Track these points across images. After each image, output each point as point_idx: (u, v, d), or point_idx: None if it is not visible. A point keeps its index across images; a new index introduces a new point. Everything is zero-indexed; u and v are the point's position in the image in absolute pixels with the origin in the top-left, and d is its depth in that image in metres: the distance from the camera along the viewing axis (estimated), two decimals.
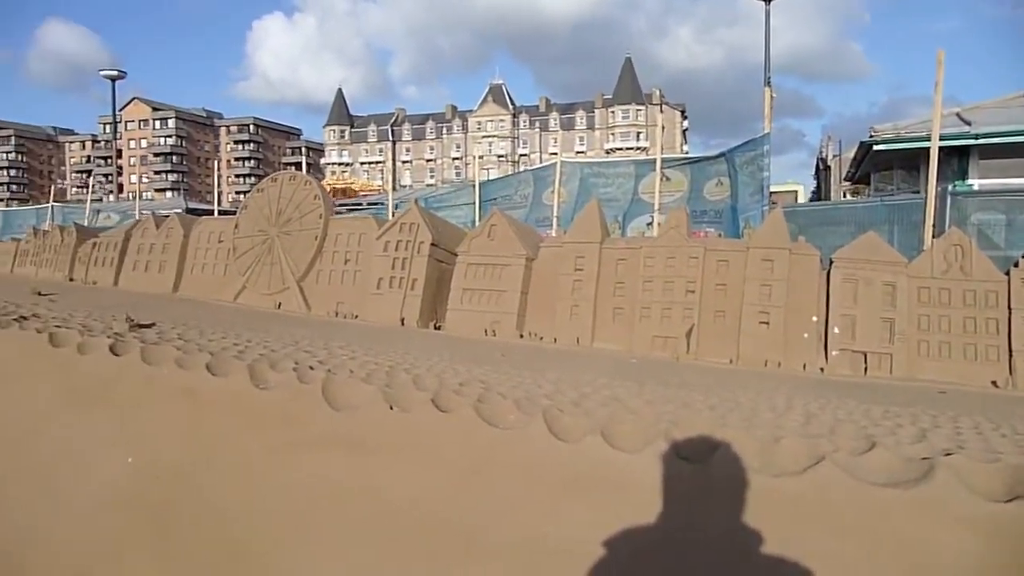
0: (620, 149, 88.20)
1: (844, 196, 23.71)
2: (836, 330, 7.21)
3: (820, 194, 29.21)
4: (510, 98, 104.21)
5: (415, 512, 3.24)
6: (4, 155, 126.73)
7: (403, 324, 6.00)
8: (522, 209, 15.74)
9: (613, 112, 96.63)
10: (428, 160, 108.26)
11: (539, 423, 3.34)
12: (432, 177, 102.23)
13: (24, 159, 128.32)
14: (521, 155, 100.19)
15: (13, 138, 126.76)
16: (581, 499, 3.13)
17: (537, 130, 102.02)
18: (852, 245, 7.67)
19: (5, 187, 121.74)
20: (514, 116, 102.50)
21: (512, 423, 3.42)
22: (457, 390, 3.69)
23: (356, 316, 6.16)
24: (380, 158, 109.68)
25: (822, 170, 31.43)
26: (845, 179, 22.83)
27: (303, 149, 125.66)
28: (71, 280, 7.70)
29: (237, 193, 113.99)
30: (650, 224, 13.49)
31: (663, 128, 34.76)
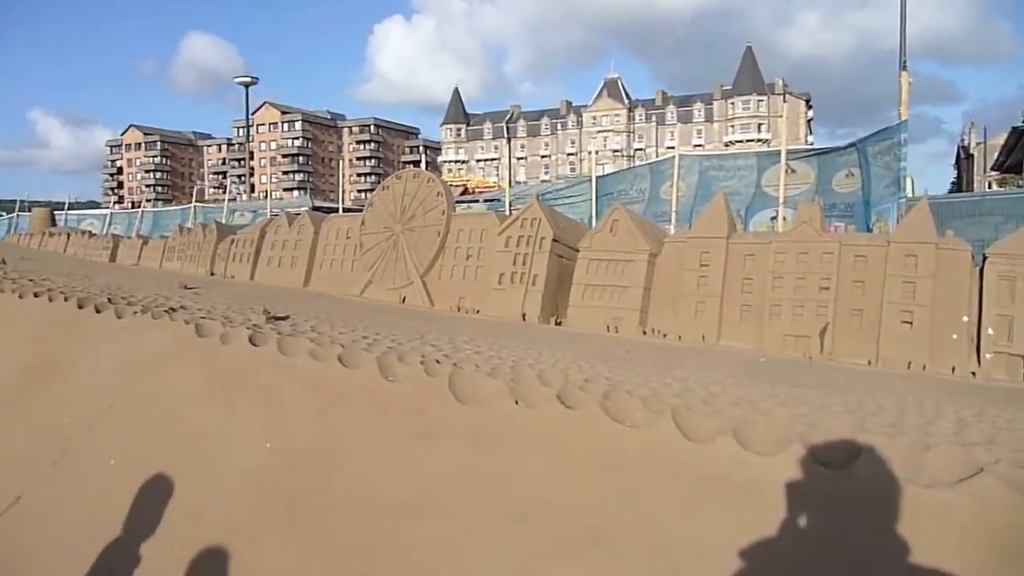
0: (740, 141, 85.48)
1: (989, 186, 22.10)
2: (990, 331, 6.69)
3: (961, 184, 27.35)
4: (625, 92, 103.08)
5: (542, 506, 3.23)
6: (151, 159, 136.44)
7: (524, 319, 6.02)
8: (639, 204, 15.51)
9: (733, 103, 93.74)
10: (543, 156, 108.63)
11: (668, 422, 3.25)
12: (547, 173, 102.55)
13: (168, 163, 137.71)
14: (637, 149, 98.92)
15: (159, 143, 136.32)
16: (713, 501, 3.03)
17: (653, 124, 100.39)
18: (1009, 239, 7.09)
19: (152, 189, 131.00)
20: (629, 110, 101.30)
21: (639, 421, 3.35)
22: (582, 386, 3.66)
23: (478, 311, 6.22)
24: (495, 155, 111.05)
25: (963, 159, 29.43)
26: (992, 168, 21.27)
27: (421, 148, 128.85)
28: (212, 274, 8.18)
29: (359, 191, 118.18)
30: (774, 218, 13.00)
31: (786, 118, 33.45)
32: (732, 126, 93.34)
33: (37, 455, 4.82)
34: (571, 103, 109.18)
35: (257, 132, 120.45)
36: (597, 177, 17.30)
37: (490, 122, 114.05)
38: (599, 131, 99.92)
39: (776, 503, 2.92)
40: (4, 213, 38.93)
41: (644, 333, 5.77)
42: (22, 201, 39.68)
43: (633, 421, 3.36)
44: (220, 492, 4.03)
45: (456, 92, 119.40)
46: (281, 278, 7.83)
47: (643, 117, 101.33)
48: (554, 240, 6.09)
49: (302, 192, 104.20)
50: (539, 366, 4.02)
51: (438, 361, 3.99)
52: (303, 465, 3.90)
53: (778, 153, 13.10)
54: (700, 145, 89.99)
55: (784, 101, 72.57)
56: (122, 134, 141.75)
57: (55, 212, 22.88)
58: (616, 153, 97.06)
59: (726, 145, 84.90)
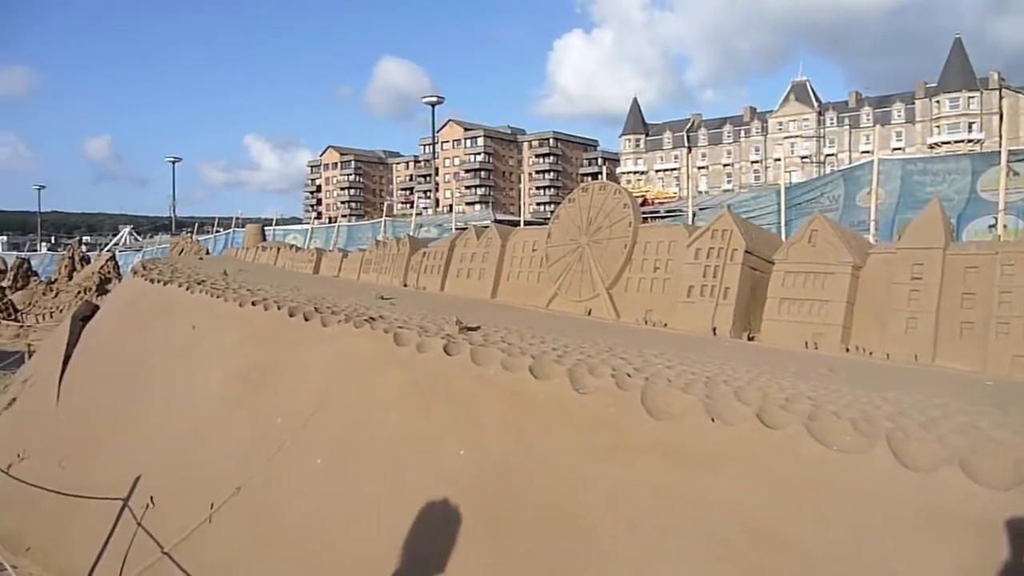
0: (947, 143, 78.25)
1: None
2: None
3: None
4: (815, 95, 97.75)
5: (741, 528, 3.09)
6: (346, 177, 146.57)
7: (715, 334, 5.81)
8: (832, 213, 14.64)
9: (939, 102, 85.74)
10: (725, 165, 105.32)
11: (882, 447, 3.00)
12: (729, 182, 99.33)
13: (361, 180, 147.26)
14: (828, 155, 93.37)
15: (353, 162, 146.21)
16: (937, 537, 2.76)
17: (846, 127, 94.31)
18: None
19: (346, 205, 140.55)
20: (819, 114, 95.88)
21: (849, 445, 3.11)
22: (783, 405, 3.46)
23: (665, 324, 6.09)
24: (675, 165, 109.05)
25: None
26: None
27: (599, 160, 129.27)
28: (404, 285, 8.59)
29: (538, 204, 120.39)
30: (992, 226, 11.82)
31: (1002, 116, 30.31)
32: (938, 126, 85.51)
33: (254, 450, 5.26)
34: (755, 109, 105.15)
35: (442, 149, 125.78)
36: (785, 186, 16.54)
37: (670, 131, 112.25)
38: (785, 137, 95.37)
39: (1012, 544, 2.62)
40: (222, 229, 43.35)
41: (847, 351, 5.39)
42: (236, 218, 44.04)
43: (842, 445, 3.13)
44: (417, 494, 4.19)
45: (635, 102, 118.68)
46: (470, 289, 8.09)
47: (835, 120, 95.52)
48: (747, 252, 5.85)
49: (484, 206, 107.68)
50: (735, 382, 3.86)
51: (629, 374, 3.94)
52: (496, 473, 3.98)
53: (996, 154, 11.89)
54: (900, 148, 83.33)
55: (1001, 97, 65.80)
56: (321, 154, 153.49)
57: (265, 228, 25.10)
58: (804, 160, 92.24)
59: (931, 147, 77.94)
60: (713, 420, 3.45)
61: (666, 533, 3.27)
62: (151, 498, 5.63)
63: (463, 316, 5.48)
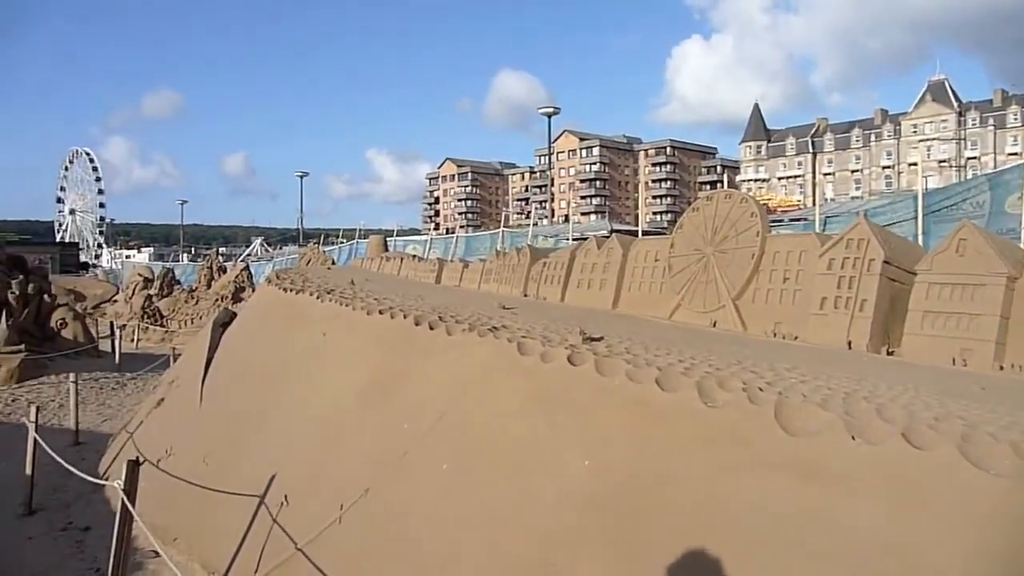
0: None
1: None
2: None
3: None
4: (954, 94, 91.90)
5: (886, 551, 2.91)
6: (463, 189, 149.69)
7: (850, 348, 5.53)
8: (977, 219, 13.67)
9: None
10: (853, 171, 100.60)
11: None
12: (858, 189, 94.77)
13: (477, 191, 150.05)
14: (969, 158, 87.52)
15: (470, 174, 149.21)
16: None
17: (991, 128, 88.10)
18: None
19: (463, 216, 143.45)
20: (959, 114, 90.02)
21: (1009, 470, 2.88)
22: (932, 425, 3.25)
23: (796, 337, 5.85)
24: (799, 172, 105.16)
25: None
26: None
27: (718, 168, 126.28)
28: (525, 295, 8.64)
29: (654, 214, 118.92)
30: None
31: None
32: None
33: (383, 454, 5.41)
34: (886, 111, 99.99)
35: (557, 159, 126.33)
36: (922, 191, 15.60)
37: (793, 137, 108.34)
38: (920, 140, 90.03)
39: None
40: (345, 240, 45.14)
41: (1001, 368, 5.01)
42: (359, 229, 45.76)
43: (1000, 470, 2.91)
44: (540, 503, 4.20)
45: (756, 108, 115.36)
46: (590, 300, 8.05)
47: (977, 121, 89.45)
48: (885, 262, 5.54)
49: (599, 216, 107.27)
50: (876, 399, 3.65)
51: (761, 388, 3.80)
52: (621, 485, 3.93)
53: None
54: None
55: None
56: (439, 167, 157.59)
57: (386, 239, 25.92)
58: (942, 164, 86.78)
59: None
60: (854, 438, 3.27)
61: (801, 554, 3.12)
62: (285, 496, 5.88)
63: (585, 326, 5.45)
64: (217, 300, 33.44)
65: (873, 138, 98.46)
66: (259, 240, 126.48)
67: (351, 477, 5.48)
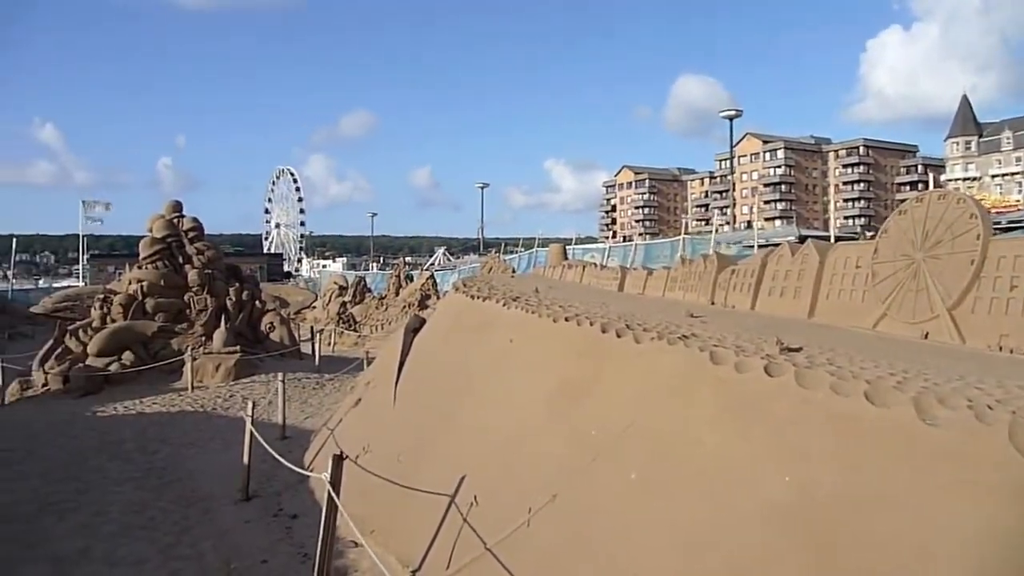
0: None
1: None
2: None
3: None
4: None
5: None
6: (640, 196, 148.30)
7: None
8: None
9: None
10: None
11: None
12: None
13: (655, 198, 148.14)
14: None
15: (647, 181, 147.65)
16: None
17: None
18: None
19: (640, 223, 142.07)
20: None
21: None
22: None
23: None
24: (1017, 168, 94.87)
25: None
26: None
27: (919, 167, 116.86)
28: (712, 303, 8.40)
29: (845, 218, 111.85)
30: None
31: None
32: None
33: (571, 460, 5.43)
34: None
35: (738, 163, 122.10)
36: None
37: (1010, 130, 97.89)
38: None
39: None
40: (523, 249, 46.10)
41: None
42: (537, 238, 46.58)
43: None
44: (733, 518, 4.04)
45: (964, 100, 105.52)
46: (783, 308, 7.67)
47: None
48: None
49: (784, 221, 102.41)
50: None
51: (990, 407, 3.44)
52: (823, 505, 3.70)
53: None
54: None
55: None
56: (616, 175, 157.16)
57: (565, 247, 26.16)
58: None
59: None
60: None
61: None
62: (475, 497, 6.06)
63: (781, 336, 5.20)
64: (405, 307, 35.29)
65: None
66: (442, 250, 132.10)
67: (538, 481, 5.56)
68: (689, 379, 4.99)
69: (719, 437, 4.49)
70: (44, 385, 18.70)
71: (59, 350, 19.91)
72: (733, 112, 43.27)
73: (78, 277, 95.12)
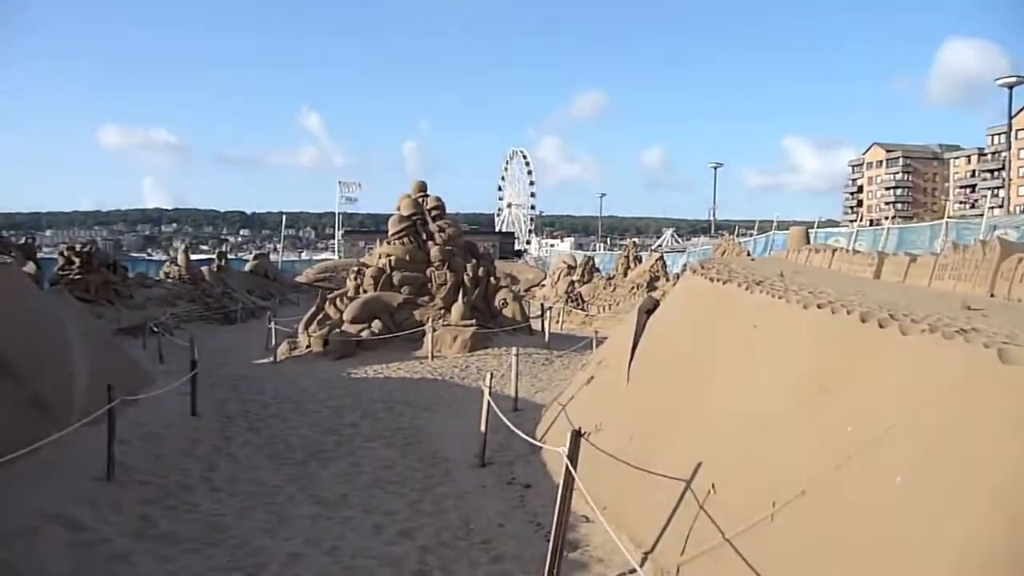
0: None
1: None
2: None
3: None
4: None
5: None
6: (891, 176, 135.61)
7: None
8: None
9: None
10: None
11: None
12: None
13: (909, 178, 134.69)
14: None
15: (901, 159, 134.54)
16: None
17: None
18: None
19: (891, 206, 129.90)
20: None
21: None
22: None
23: None
24: None
25: None
26: None
27: None
28: (991, 296, 7.43)
29: None
30: None
31: None
32: None
33: (821, 456, 5.07)
34: None
35: (1016, 138, 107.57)
36: None
37: None
38: None
39: None
40: (758, 232, 43.94)
41: None
42: (774, 221, 44.18)
43: None
44: None
45: None
46: None
47: None
48: None
49: None
50: None
51: None
52: None
53: None
54: None
55: None
56: (864, 152, 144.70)
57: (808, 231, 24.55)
58: None
59: None
60: None
61: None
62: (712, 485, 5.87)
63: None
64: (633, 288, 35.15)
65: None
66: (670, 231, 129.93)
67: (784, 475, 5.27)
68: (970, 379, 4.43)
69: (1010, 448, 3.94)
70: (307, 346, 20.91)
71: (320, 316, 22.14)
72: (1014, 79, 37.91)
73: (333, 251, 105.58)
